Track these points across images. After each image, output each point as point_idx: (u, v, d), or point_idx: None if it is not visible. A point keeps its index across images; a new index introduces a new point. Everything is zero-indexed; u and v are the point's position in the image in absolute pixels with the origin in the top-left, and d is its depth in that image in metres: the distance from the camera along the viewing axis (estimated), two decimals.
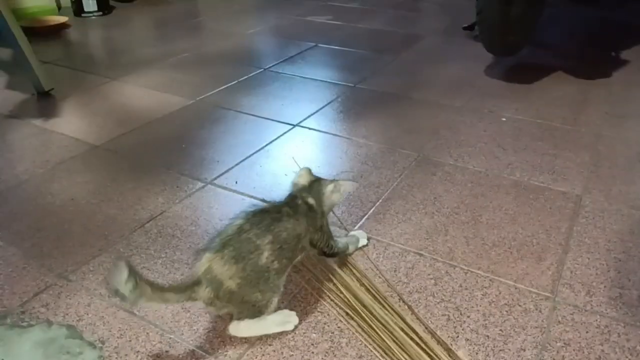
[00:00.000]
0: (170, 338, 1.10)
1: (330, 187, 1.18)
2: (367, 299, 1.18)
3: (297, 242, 1.08)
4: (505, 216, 1.50)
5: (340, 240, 1.27)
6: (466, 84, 2.45)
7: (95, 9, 3.68)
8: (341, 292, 1.21)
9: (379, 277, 1.27)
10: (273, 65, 2.67)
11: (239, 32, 3.31)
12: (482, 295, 1.21)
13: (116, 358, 1.05)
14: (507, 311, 1.16)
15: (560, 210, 1.52)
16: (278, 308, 1.09)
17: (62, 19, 3.41)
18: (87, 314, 1.16)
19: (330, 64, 2.74)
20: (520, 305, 1.18)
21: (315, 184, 1.19)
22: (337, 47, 2.98)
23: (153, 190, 1.63)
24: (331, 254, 1.23)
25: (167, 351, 1.07)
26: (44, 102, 2.30)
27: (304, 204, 1.14)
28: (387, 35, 3.25)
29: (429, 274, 1.28)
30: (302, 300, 1.19)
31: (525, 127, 2.01)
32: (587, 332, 1.11)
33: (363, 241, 1.37)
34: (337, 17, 3.62)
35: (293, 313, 1.13)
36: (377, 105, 2.25)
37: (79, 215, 1.52)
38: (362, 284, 1.23)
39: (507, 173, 1.71)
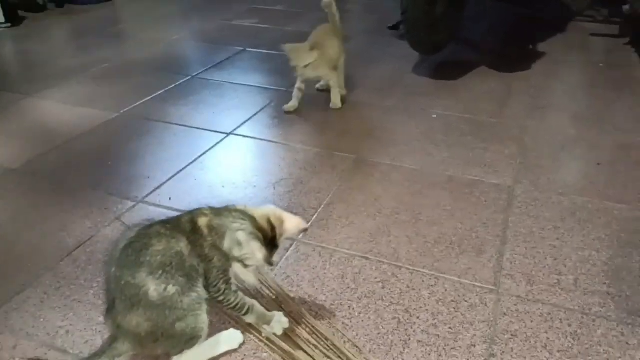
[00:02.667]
0: None
1: (238, 235, 0.99)
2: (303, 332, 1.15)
3: (180, 259, 0.96)
4: (443, 212, 1.52)
5: (244, 297, 1.06)
6: (396, 83, 2.48)
7: (3, 20, 3.41)
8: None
9: (326, 287, 1.24)
10: (201, 72, 2.59)
11: (163, 38, 3.19)
12: (429, 294, 1.22)
13: None
14: (454, 308, 1.18)
15: (495, 203, 1.56)
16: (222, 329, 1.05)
17: None
18: (14, 357, 1.06)
19: (260, 69, 2.69)
20: (466, 301, 1.20)
21: (226, 212, 1.03)
22: (265, 51, 2.94)
23: (79, 214, 1.52)
24: (218, 299, 1.02)
25: None
26: None
27: (188, 222, 1.00)
28: None
29: (376, 278, 1.27)
30: (243, 329, 1.15)
31: (454, 123, 2.07)
32: (531, 321, 1.14)
33: (275, 328, 1.09)
34: (263, 20, 3.57)
35: (237, 331, 1.09)
36: (310, 108, 2.23)
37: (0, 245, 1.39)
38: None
39: (442, 169, 1.75)
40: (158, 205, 1.56)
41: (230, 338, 1.08)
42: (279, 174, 1.72)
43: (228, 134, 1.98)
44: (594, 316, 1.15)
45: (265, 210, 1.04)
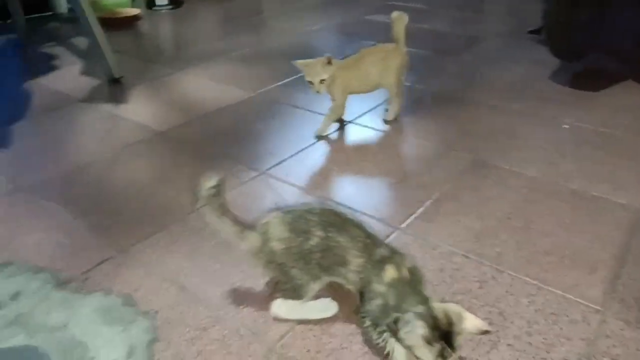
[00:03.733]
0: (218, 315, 1.15)
1: (418, 329, 0.91)
2: None
3: (341, 262, 1.03)
4: (559, 224, 1.46)
5: (389, 340, 1.00)
6: (528, 88, 2.39)
7: (166, 2, 3.84)
8: None
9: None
10: None
11: (300, 29, 3.37)
12: (529, 302, 1.19)
13: (166, 328, 1.12)
14: (552, 320, 1.14)
15: (618, 222, 1.46)
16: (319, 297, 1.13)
17: (135, 11, 3.59)
18: (143, 287, 1.24)
19: None
20: (567, 316, 1.15)
21: (409, 291, 0.98)
22: None
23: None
24: (362, 321, 1.05)
25: (213, 326, 1.12)
26: (114, 89, 2.44)
27: (378, 259, 1.01)
28: (448, 36, 3.21)
29: (474, 277, 1.27)
30: (343, 296, 1.22)
31: (587, 136, 1.94)
32: (637, 349, 1.07)
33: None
34: None
35: (334, 302, 1.16)
36: (433, 105, 2.23)
37: (140, 195, 1.61)
38: None
39: (565, 181, 1.66)
40: (277, 179, 1.69)
41: (326, 307, 1.15)
42: (390, 165, 1.77)
43: (348, 122, 2.07)
44: None
45: (445, 305, 0.96)
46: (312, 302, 1.13)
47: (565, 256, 1.34)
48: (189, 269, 1.29)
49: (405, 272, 1.00)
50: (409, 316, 0.92)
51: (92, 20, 2.40)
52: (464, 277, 1.27)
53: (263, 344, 1.09)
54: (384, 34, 3.17)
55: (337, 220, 1.06)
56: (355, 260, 1.02)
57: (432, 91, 2.38)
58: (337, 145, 1.92)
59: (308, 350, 1.07)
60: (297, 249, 1.04)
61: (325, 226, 1.04)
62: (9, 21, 3.23)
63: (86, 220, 1.49)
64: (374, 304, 1.00)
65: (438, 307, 0.95)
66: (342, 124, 2.06)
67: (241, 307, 1.18)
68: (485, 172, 1.72)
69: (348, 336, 1.10)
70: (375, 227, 1.45)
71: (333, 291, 1.21)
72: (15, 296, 1.21)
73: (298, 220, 1.06)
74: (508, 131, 2.00)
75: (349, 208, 1.51)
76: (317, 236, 1.03)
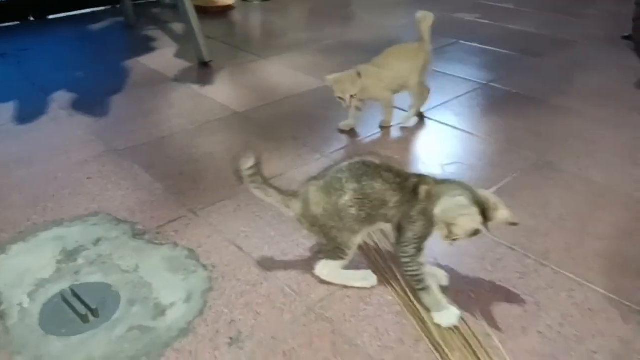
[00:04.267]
0: (267, 274, 1.27)
1: (458, 199, 1.06)
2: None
3: (380, 205, 1.11)
4: (617, 231, 1.43)
5: (419, 260, 1.12)
6: (613, 95, 2.29)
7: None
8: None
9: (464, 263, 1.31)
10: None
11: (384, 23, 3.43)
12: (568, 297, 1.20)
13: (221, 280, 1.25)
14: (589, 317, 1.14)
15: None
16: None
17: (229, 1, 3.82)
18: (206, 244, 1.38)
19: (466, 61, 2.73)
20: (605, 314, 1.15)
21: (449, 182, 1.12)
22: (478, 45, 2.96)
23: (277, 155, 1.83)
24: (401, 261, 1.14)
25: (262, 283, 1.24)
26: (203, 71, 2.65)
27: (411, 187, 1.11)
28: (536, 38, 3.13)
29: (516, 269, 1.29)
30: (379, 272, 1.29)
31: None
32: None
33: (443, 280, 1.22)
34: (486, 15, 3.55)
35: (374, 275, 1.23)
36: (507, 104, 2.22)
37: (214, 166, 1.77)
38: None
39: (633, 191, 1.61)
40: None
41: (366, 277, 1.23)
42: (452, 158, 1.80)
43: (423, 114, 2.11)
44: None
45: (484, 192, 1.10)
46: (353, 271, 1.22)
47: (616, 261, 1.31)
48: (247, 233, 1.42)
49: (437, 186, 1.10)
50: (460, 200, 1.06)
51: (189, 7, 2.62)
52: (505, 267, 1.29)
53: (304, 303, 1.19)
54: (469, 32, 3.16)
55: (368, 170, 1.13)
56: (393, 199, 1.11)
57: (506, 90, 2.36)
58: (401, 135, 1.97)
59: (344, 314, 1.16)
60: (333, 208, 1.12)
61: (358, 177, 1.12)
62: (118, 6, 3.58)
63: (165, 183, 1.67)
64: (417, 227, 1.10)
65: (477, 191, 1.08)
66: (420, 115, 2.10)
67: (288, 270, 1.28)
68: (549, 174, 1.70)
69: (382, 306, 1.18)
70: None
71: (373, 266, 1.29)
72: (97, 241, 1.40)
73: (331, 181, 1.14)
74: (583, 136, 1.95)
75: None
76: (350, 190, 1.11)
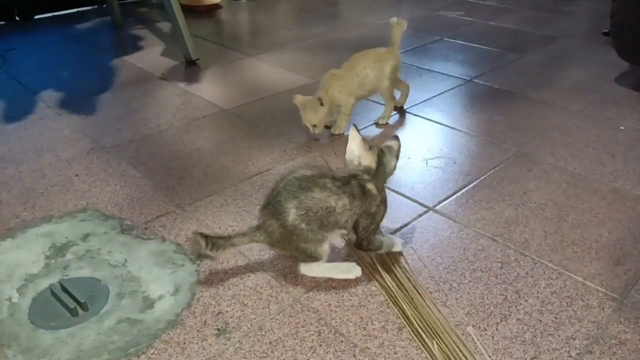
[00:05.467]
0: (253, 267, 1.30)
1: (388, 158, 1.24)
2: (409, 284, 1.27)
3: (327, 213, 1.15)
4: (593, 219, 1.47)
5: (379, 237, 1.28)
6: (591, 89, 2.35)
7: None
8: (397, 270, 1.31)
9: (446, 253, 1.34)
10: None
11: (370, 21, 3.46)
12: (546, 284, 1.24)
13: (209, 273, 1.28)
14: (567, 303, 1.18)
15: None
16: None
17: (216, 0, 3.83)
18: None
19: (450, 58, 2.77)
20: (583, 300, 1.19)
21: (381, 168, 1.22)
22: (462, 42, 3.00)
23: (264, 151, 1.85)
24: (365, 248, 1.25)
25: (248, 276, 1.27)
26: (190, 69, 2.66)
27: (358, 186, 1.18)
28: (518, 35, 3.18)
29: (497, 258, 1.33)
30: (363, 264, 1.32)
31: None
32: None
33: (397, 247, 1.33)
34: (470, 13, 3.60)
35: (358, 267, 1.26)
36: (488, 100, 2.26)
37: (201, 162, 1.79)
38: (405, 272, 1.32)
39: (609, 180, 1.66)
40: (325, 156, 1.81)
41: (350, 269, 1.26)
42: (435, 153, 1.83)
43: (402, 110, 2.15)
44: None
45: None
46: (337, 263, 1.25)
47: (593, 248, 1.36)
48: (234, 227, 1.45)
49: (375, 176, 1.22)
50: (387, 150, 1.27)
51: (175, 6, 2.62)
52: (487, 257, 1.33)
53: (290, 294, 1.21)
54: (453, 30, 3.20)
55: (302, 183, 1.16)
56: (340, 202, 1.16)
57: (489, 86, 2.40)
58: (386, 131, 2.00)
59: (329, 304, 1.19)
60: (285, 230, 1.16)
61: (294, 193, 1.15)
62: (104, 5, 3.57)
63: (153, 179, 1.69)
64: (378, 217, 1.23)
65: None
66: (401, 111, 2.14)
67: (274, 263, 1.31)
68: (528, 166, 1.75)
69: (367, 296, 1.21)
70: (407, 206, 1.54)
71: (358, 258, 1.32)
72: (85, 237, 1.42)
73: (274, 205, 1.16)
74: (561, 129, 1.99)
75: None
76: (292, 207, 1.14)
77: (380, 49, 1.98)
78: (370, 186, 1.20)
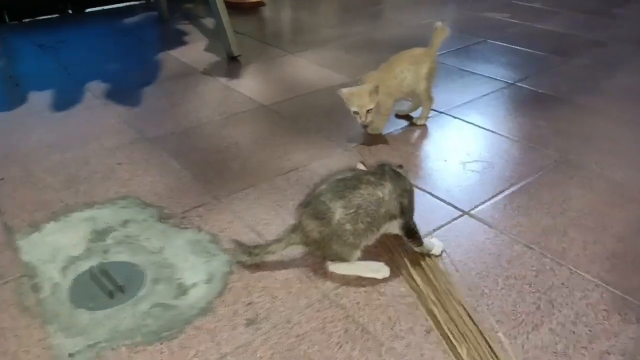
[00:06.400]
0: (284, 261, 1.31)
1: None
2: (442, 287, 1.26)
3: (377, 206, 1.19)
4: (637, 231, 1.42)
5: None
6: (639, 96, 2.26)
7: None
8: (429, 275, 1.30)
9: (479, 258, 1.32)
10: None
11: (413, 21, 3.43)
12: (582, 296, 1.20)
13: (241, 264, 1.30)
14: (603, 316, 1.15)
15: None
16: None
17: None
18: (228, 229, 1.43)
19: (493, 60, 2.72)
20: (620, 315, 1.15)
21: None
22: (506, 44, 2.94)
23: (300, 147, 1.87)
24: (414, 232, 1.27)
25: (279, 269, 1.28)
26: (231, 65, 2.71)
27: (390, 170, 1.26)
28: (565, 38, 3.09)
29: (532, 266, 1.30)
30: (394, 265, 1.31)
31: None
32: None
33: (436, 251, 1.32)
34: (516, 15, 3.52)
35: (387, 267, 1.26)
36: (532, 104, 2.21)
37: (238, 156, 1.82)
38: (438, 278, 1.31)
39: None
40: (361, 155, 1.81)
41: (379, 269, 1.26)
42: (474, 156, 1.81)
43: (440, 112, 2.12)
44: None
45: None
46: (367, 262, 1.25)
47: (635, 262, 1.31)
48: (267, 220, 1.47)
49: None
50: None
51: (220, 3, 2.67)
52: (521, 265, 1.30)
53: (319, 289, 1.22)
54: (497, 32, 3.14)
55: (346, 183, 1.20)
56: (385, 190, 1.21)
57: (532, 90, 2.35)
58: (423, 133, 1.99)
59: (358, 302, 1.19)
60: (328, 229, 1.18)
61: (340, 193, 1.17)
62: (152, 0, 3.67)
63: (192, 171, 1.73)
64: (412, 193, 1.28)
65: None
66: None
67: (305, 258, 1.32)
68: (570, 173, 1.70)
69: (396, 297, 1.20)
70: (442, 209, 1.52)
71: (389, 258, 1.32)
72: (125, 223, 1.46)
73: (316, 206, 1.19)
74: (606, 136, 1.93)
75: (420, 189, 1.60)
76: (339, 207, 1.17)
77: (417, 49, 1.96)
78: (400, 169, 1.28)
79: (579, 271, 1.28)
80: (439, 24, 1.97)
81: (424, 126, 2.02)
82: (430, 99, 2.00)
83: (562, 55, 2.76)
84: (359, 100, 1.75)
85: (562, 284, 1.24)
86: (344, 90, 1.77)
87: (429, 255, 1.31)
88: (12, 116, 2.13)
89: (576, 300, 1.19)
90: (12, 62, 2.83)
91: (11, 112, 2.16)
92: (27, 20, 3.46)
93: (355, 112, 1.77)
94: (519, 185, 1.63)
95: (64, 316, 1.15)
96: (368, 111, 1.75)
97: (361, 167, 1.36)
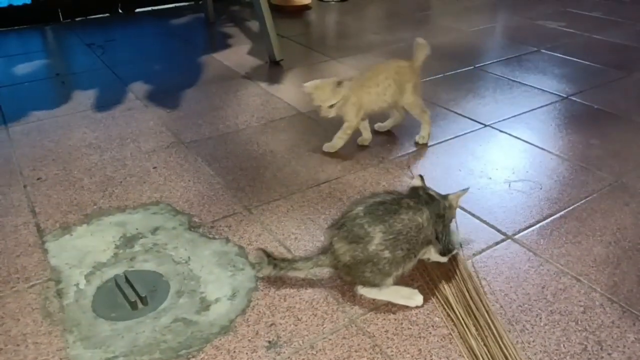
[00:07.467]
0: (312, 280, 1.25)
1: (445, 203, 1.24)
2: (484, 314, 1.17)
3: (417, 232, 1.14)
4: None
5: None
6: None
7: None
8: (469, 300, 1.21)
9: (521, 289, 1.23)
10: (484, 65, 2.63)
11: (462, 28, 3.32)
12: (636, 339, 1.09)
13: (267, 281, 1.25)
14: None
15: None
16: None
17: (306, 1, 3.85)
18: (256, 242, 1.39)
19: (546, 71, 2.58)
20: None
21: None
22: (560, 55, 2.78)
23: (335, 159, 1.81)
24: (450, 250, 1.26)
25: (305, 289, 1.23)
26: (273, 69, 2.68)
27: (425, 194, 1.21)
28: (624, 50, 2.90)
29: (579, 301, 1.19)
30: (429, 291, 1.24)
31: None
32: None
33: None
34: (572, 24, 3.34)
35: (420, 295, 1.18)
36: (586, 121, 2.07)
37: (272, 164, 1.78)
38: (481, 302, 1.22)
39: None
40: (396, 168, 1.73)
41: (411, 296, 1.19)
42: (520, 175, 1.70)
43: (485, 126, 2.02)
44: None
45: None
46: (399, 287, 1.18)
47: None
48: (297, 235, 1.42)
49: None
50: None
51: (264, 7, 2.65)
52: (568, 299, 1.20)
53: (346, 314, 1.16)
54: (552, 41, 2.99)
55: (386, 206, 1.13)
56: (424, 216, 1.16)
57: (587, 105, 2.20)
58: (466, 147, 1.89)
59: (386, 331, 1.12)
60: (363, 255, 1.11)
61: (381, 217, 1.11)
62: (200, 2, 3.70)
63: (225, 178, 1.70)
64: (448, 215, 1.23)
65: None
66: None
67: (334, 278, 1.26)
68: (625, 199, 1.57)
69: (429, 327, 1.13)
70: (483, 231, 1.43)
71: (425, 284, 1.24)
72: (155, 230, 1.45)
73: (352, 229, 1.12)
74: None
75: (460, 208, 1.51)
76: (378, 232, 1.10)
77: (402, 61, 1.85)
78: (432, 192, 1.24)
79: (632, 309, 1.16)
80: (419, 39, 1.87)
81: (425, 145, 1.91)
82: (425, 112, 1.88)
83: (622, 69, 2.59)
84: (321, 94, 1.69)
85: (613, 322, 1.13)
86: (308, 84, 1.71)
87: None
88: (56, 114, 2.17)
89: (628, 344, 1.08)
90: (61, 60, 2.90)
91: (55, 110, 2.20)
92: (79, 19, 3.55)
93: (317, 107, 1.72)
94: (568, 209, 1.52)
95: (85, 325, 1.13)
96: (330, 106, 1.69)
97: (417, 182, 1.27)
